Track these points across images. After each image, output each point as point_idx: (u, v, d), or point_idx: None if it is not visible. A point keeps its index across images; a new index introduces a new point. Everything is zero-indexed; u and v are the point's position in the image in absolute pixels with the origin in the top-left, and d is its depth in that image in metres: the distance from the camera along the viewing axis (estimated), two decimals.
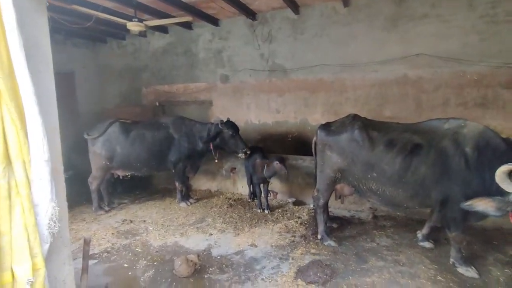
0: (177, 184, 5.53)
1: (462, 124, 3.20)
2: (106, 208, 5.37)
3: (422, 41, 5.25)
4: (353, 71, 5.89)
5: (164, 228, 4.59)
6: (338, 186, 3.92)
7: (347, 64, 5.93)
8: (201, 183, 6.43)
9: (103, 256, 3.82)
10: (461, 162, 3.04)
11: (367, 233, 4.25)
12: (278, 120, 6.73)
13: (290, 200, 5.47)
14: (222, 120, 5.30)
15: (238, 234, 4.31)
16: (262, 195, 5.16)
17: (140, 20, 4.95)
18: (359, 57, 5.81)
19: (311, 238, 4.11)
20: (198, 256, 3.57)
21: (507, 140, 3.02)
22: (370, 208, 4.93)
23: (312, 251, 3.80)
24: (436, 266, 3.40)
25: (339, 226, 4.45)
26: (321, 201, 3.94)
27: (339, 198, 4.14)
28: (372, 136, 3.48)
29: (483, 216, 2.86)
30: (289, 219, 4.77)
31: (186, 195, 5.68)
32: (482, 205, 2.62)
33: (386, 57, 5.57)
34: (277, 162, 4.75)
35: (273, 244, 3.99)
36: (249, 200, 5.66)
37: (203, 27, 7.12)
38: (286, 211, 5.15)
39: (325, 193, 3.90)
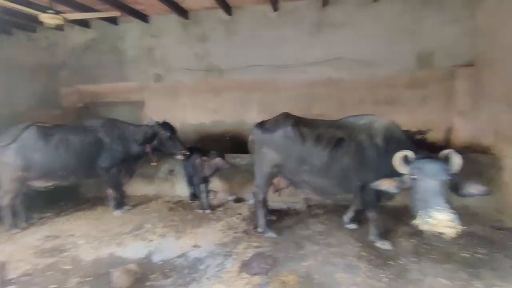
0: (110, 191, 5.16)
1: (373, 120, 3.76)
2: (24, 225, 4.71)
3: (341, 46, 5.90)
4: (285, 72, 6.29)
5: (97, 240, 4.25)
6: (275, 181, 4.18)
7: (279, 66, 6.30)
8: (137, 188, 6.11)
9: (23, 280, 3.37)
10: (373, 152, 3.57)
11: (302, 222, 4.62)
12: (216, 120, 6.78)
13: (230, 198, 5.59)
14: (158, 122, 5.12)
15: (180, 237, 4.25)
16: (203, 195, 5.17)
17: (57, 12, 4.45)
18: (289, 59, 6.23)
19: (253, 232, 4.30)
20: (138, 264, 3.43)
21: (406, 132, 3.64)
22: (304, 199, 5.36)
23: (254, 244, 3.98)
24: (360, 244, 3.90)
25: (278, 218, 4.74)
26: (261, 196, 4.15)
27: (277, 191, 4.41)
28: (303, 132, 3.82)
29: (391, 196, 3.41)
30: (231, 216, 4.89)
31: (121, 202, 5.33)
32: (385, 184, 3.12)
33: (313, 59, 6.10)
34: (219, 158, 4.84)
35: (217, 242, 4.05)
36: (190, 201, 5.60)
37: (130, 23, 6.72)
38: (228, 209, 5.25)
39: (264, 188, 4.13)
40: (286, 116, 4.05)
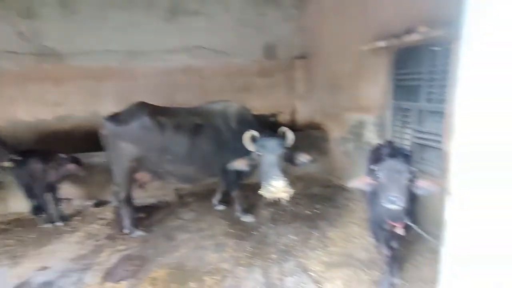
0: None
1: (228, 105, 4.04)
2: None
3: (197, 34, 5.97)
4: (142, 59, 5.86)
5: None
6: (137, 175, 3.93)
7: (134, 52, 5.81)
8: None
9: None
10: (229, 135, 3.87)
11: (173, 213, 4.58)
12: (61, 115, 5.70)
13: (89, 203, 4.90)
14: None
15: (19, 262, 3.43)
16: (51, 206, 4.31)
17: None
18: (145, 45, 5.82)
19: (119, 235, 3.95)
20: None
21: (257, 116, 4.12)
22: (175, 189, 5.30)
23: (120, 248, 3.67)
24: (228, 222, 4.23)
25: (147, 215, 4.52)
26: (122, 195, 3.83)
27: (141, 186, 4.17)
28: (162, 121, 3.71)
29: (248, 174, 3.82)
30: (90, 224, 4.31)
31: None
32: (239, 164, 3.49)
33: (171, 47, 5.92)
34: (72, 163, 4.15)
35: (72, 257, 3.51)
36: (34, 216, 4.56)
37: None
38: (87, 216, 4.60)
39: (125, 186, 3.81)
40: (142, 106, 3.82)
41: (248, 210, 4.43)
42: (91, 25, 5.52)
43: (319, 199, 4.88)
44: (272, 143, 3.29)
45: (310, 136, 5.89)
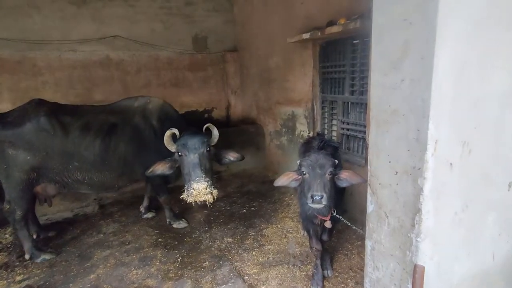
0: None
1: (148, 101, 3.60)
2: None
3: (116, 23, 5.31)
4: (45, 49, 5.00)
5: None
6: (38, 188, 3.27)
7: (35, 41, 4.91)
8: None
9: None
10: (151, 134, 3.46)
11: (93, 227, 3.99)
12: None
13: None
14: None
15: None
16: None
17: None
18: (49, 33, 4.98)
19: (18, 262, 3.26)
20: None
21: (187, 113, 3.77)
22: (95, 199, 4.66)
23: (18, 278, 3.02)
24: (157, 231, 3.83)
25: (58, 233, 3.84)
26: (18, 214, 3.13)
27: (45, 201, 3.50)
28: (64, 122, 3.13)
29: (175, 177, 3.48)
30: None
31: None
32: (160, 168, 3.14)
33: (83, 36, 5.17)
34: None
35: None
36: None
37: None
38: None
39: (21, 202, 3.12)
40: (38, 104, 3.17)
41: (180, 215, 4.08)
42: None
43: (255, 196, 4.77)
44: (193, 142, 2.99)
45: (245, 132, 5.75)
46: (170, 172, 3.15)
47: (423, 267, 1.52)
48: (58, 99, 3.77)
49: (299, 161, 2.34)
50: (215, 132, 3.21)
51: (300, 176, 2.31)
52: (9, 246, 3.61)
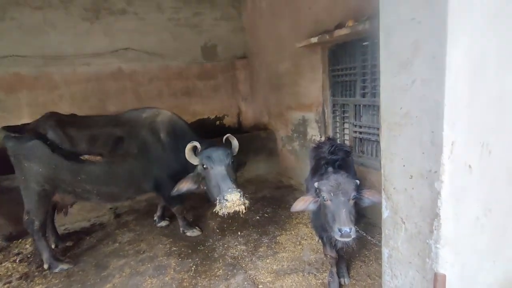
0: None
1: (156, 113, 3.60)
2: None
3: (127, 35, 5.45)
4: (61, 64, 5.18)
5: None
6: (57, 198, 3.35)
7: (51, 56, 5.10)
8: None
9: None
10: (159, 148, 3.45)
11: (109, 236, 4.05)
12: None
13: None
14: None
15: None
16: None
17: None
18: (64, 48, 5.16)
19: (38, 272, 3.34)
20: None
21: (203, 120, 3.82)
22: (111, 208, 4.74)
23: None
24: (171, 240, 3.84)
25: (75, 242, 3.92)
26: (37, 224, 3.22)
27: (63, 211, 3.58)
28: (71, 135, 3.20)
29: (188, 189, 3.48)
30: (1, 263, 3.59)
31: None
32: (185, 185, 3.15)
33: (96, 49, 5.33)
34: None
35: None
36: None
37: None
38: None
39: (38, 213, 3.21)
40: (48, 117, 3.26)
41: (193, 223, 4.09)
42: None
43: (269, 202, 4.72)
44: (218, 154, 3.00)
45: (257, 138, 5.74)
46: (196, 187, 3.14)
47: (444, 275, 1.44)
48: (73, 111, 3.87)
49: (316, 183, 2.18)
50: (235, 142, 3.22)
51: (318, 198, 2.18)
52: (29, 256, 3.71)
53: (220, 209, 2.91)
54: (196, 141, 3.13)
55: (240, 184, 3.04)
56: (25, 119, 5.01)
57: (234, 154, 3.26)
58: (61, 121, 3.26)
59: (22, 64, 4.93)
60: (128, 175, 3.36)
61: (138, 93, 5.63)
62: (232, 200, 2.86)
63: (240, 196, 2.90)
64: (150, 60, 5.65)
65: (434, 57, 1.28)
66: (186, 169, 3.24)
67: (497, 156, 1.46)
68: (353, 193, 2.06)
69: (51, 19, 5.02)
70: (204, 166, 3.07)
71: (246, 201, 2.95)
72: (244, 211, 2.93)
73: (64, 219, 4.21)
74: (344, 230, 1.95)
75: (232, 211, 2.90)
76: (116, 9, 5.33)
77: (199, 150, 3.14)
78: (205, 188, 3.20)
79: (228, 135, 3.36)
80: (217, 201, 2.94)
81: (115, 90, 5.53)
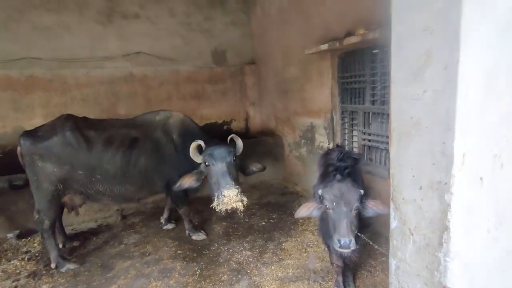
0: None
1: (169, 115, 3.69)
2: None
3: (139, 39, 5.55)
4: (75, 67, 5.29)
5: None
6: (66, 198, 3.41)
7: (65, 59, 5.22)
8: None
9: None
10: (171, 149, 3.53)
11: (115, 238, 4.08)
12: None
13: (11, 235, 4.18)
14: None
15: None
16: None
17: None
18: (78, 51, 5.28)
19: (45, 271, 3.38)
20: None
21: (213, 124, 3.87)
22: (117, 210, 4.78)
23: (44, 287, 3.12)
24: (176, 243, 3.85)
25: (82, 243, 3.96)
26: (46, 223, 3.27)
27: (72, 210, 3.63)
28: (89, 136, 3.28)
29: (196, 190, 3.51)
30: (10, 261, 3.65)
31: None
32: (187, 182, 3.18)
33: (109, 53, 5.43)
34: None
35: None
36: None
37: None
38: (6, 250, 3.90)
39: (49, 212, 3.27)
40: (66, 119, 3.34)
41: (199, 226, 4.10)
42: (8, 28, 4.85)
43: (275, 207, 4.70)
44: (220, 151, 3.05)
45: (264, 143, 5.74)
46: (198, 185, 3.18)
47: None
48: (85, 114, 3.95)
49: (320, 191, 2.17)
50: (239, 142, 3.26)
51: (322, 205, 2.17)
52: (37, 255, 3.76)
53: (217, 205, 2.94)
54: (206, 141, 3.17)
55: (244, 190, 3.04)
56: (38, 120, 5.15)
57: (238, 154, 3.30)
58: (78, 123, 3.35)
59: (37, 66, 5.06)
60: (142, 175, 3.43)
61: (148, 97, 5.71)
62: (229, 196, 2.88)
63: (238, 192, 2.91)
64: (161, 64, 5.73)
65: (446, 67, 1.28)
66: (196, 169, 3.27)
67: (509, 169, 1.44)
68: (356, 204, 2.03)
69: (65, 22, 5.15)
70: (206, 163, 3.11)
71: (244, 199, 2.96)
72: (242, 208, 2.93)
73: (71, 219, 4.28)
74: (344, 241, 1.93)
75: (229, 208, 2.91)
76: (129, 13, 5.44)
77: (204, 148, 3.18)
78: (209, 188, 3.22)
79: (232, 135, 3.40)
80: (215, 196, 2.97)
81: (126, 94, 5.61)
